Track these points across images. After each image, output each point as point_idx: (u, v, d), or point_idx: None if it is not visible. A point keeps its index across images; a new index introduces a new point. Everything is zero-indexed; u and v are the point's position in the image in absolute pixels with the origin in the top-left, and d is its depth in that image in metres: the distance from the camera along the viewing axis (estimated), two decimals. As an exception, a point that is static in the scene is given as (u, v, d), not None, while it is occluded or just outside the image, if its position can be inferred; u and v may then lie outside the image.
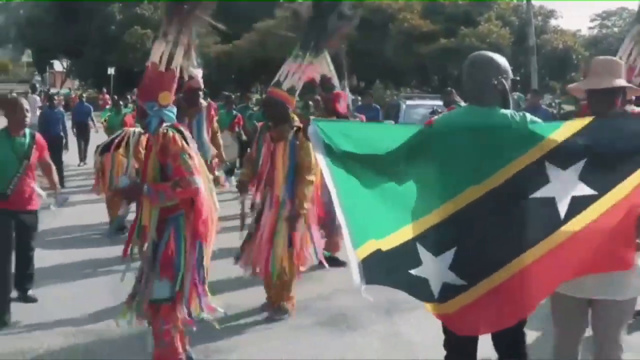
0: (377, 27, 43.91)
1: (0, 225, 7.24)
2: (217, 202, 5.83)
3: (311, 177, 7.10)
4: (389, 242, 3.98)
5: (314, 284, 8.56)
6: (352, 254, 3.84)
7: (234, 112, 16.58)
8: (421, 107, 17.97)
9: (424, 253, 4.00)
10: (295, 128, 7.16)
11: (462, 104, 14.96)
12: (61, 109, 18.81)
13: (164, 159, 5.37)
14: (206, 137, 9.87)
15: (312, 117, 4.32)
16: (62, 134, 16.79)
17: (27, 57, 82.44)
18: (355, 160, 4.04)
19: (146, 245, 5.55)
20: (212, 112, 10.58)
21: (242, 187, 7.77)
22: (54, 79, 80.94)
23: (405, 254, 3.99)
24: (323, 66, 8.59)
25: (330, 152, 4.01)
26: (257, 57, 47.01)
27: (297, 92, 7.32)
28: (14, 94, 8.74)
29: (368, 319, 7.40)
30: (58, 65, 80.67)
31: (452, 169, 4.00)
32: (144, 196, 5.40)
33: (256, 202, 7.42)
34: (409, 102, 18.66)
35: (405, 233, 4.02)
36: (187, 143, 5.47)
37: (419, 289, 4.05)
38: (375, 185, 4.06)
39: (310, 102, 16.91)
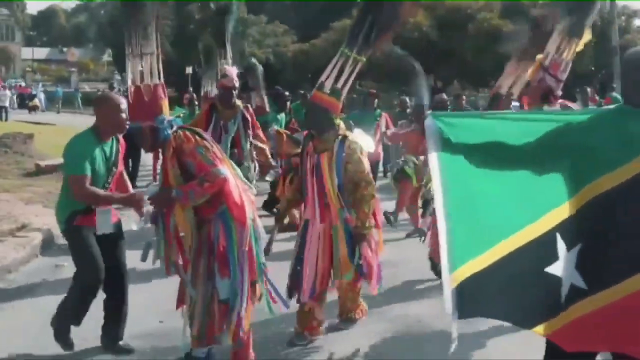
0: (456, 27, 43.31)
1: (84, 240, 6.05)
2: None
3: (371, 190, 6.36)
4: (514, 242, 3.55)
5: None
6: (447, 277, 3.48)
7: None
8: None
9: (561, 246, 3.55)
10: (340, 137, 6.37)
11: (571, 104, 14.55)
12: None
13: (184, 160, 5.41)
14: (247, 144, 9.16)
15: (429, 111, 3.91)
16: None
17: (107, 56, 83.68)
18: (480, 155, 3.65)
19: (190, 250, 5.63)
20: (251, 114, 9.40)
21: (281, 216, 7.27)
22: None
23: (540, 248, 3.54)
24: None
25: (448, 147, 3.64)
26: (333, 56, 46.68)
27: (343, 96, 6.40)
28: (112, 93, 7.99)
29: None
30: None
31: (587, 160, 3.53)
32: (175, 200, 5.43)
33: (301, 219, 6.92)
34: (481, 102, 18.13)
35: (535, 229, 3.56)
36: (200, 137, 5.54)
37: (528, 311, 3.60)
38: (501, 182, 3.65)
39: None
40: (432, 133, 3.67)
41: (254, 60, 14.99)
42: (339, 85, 6.26)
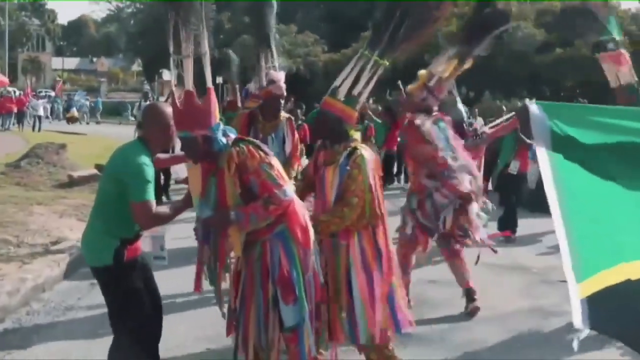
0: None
1: (137, 281, 5.16)
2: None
3: (345, 212, 5.39)
4: None
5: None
6: (574, 288, 3.07)
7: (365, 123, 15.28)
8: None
9: None
10: (349, 149, 5.49)
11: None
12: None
13: (246, 178, 4.85)
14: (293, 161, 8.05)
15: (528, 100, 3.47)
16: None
17: (137, 66, 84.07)
18: (603, 154, 3.21)
19: (242, 274, 5.15)
20: (293, 127, 8.23)
21: None
22: (162, 88, 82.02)
23: None
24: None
25: (561, 144, 3.20)
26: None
27: (359, 104, 5.65)
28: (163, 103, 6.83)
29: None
30: (167, 75, 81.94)
31: None
32: (234, 223, 4.85)
33: None
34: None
35: None
36: (262, 151, 4.93)
37: None
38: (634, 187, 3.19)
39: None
40: (540, 125, 3.26)
41: (231, 52, 14.47)
42: (356, 91, 5.53)
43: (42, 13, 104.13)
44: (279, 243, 4.98)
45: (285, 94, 7.92)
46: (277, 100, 7.82)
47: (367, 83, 5.54)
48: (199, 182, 5.06)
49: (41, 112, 42.61)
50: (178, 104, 4.80)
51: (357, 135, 5.69)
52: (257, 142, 5.06)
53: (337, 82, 5.55)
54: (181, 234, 8.11)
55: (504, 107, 18.32)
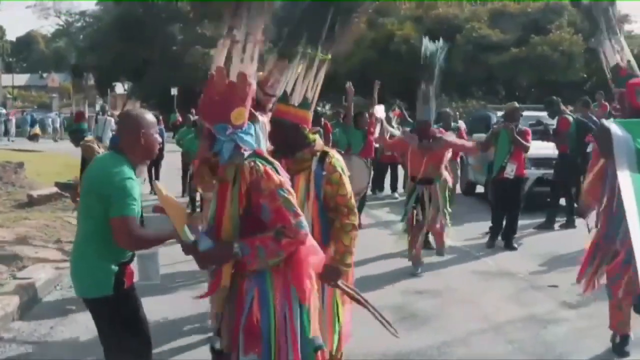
0: (444, 38, 42.72)
1: (137, 310, 4.83)
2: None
3: (353, 220, 5.27)
4: None
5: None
6: None
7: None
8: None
9: None
10: (319, 153, 5.26)
11: (569, 115, 14.01)
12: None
13: (257, 201, 4.04)
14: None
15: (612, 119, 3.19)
16: None
17: (88, 80, 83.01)
18: None
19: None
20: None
21: None
22: (115, 101, 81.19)
23: None
24: None
25: None
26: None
27: (313, 105, 5.28)
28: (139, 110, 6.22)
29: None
30: (119, 88, 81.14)
31: None
32: (236, 258, 4.04)
33: None
34: (500, 114, 17.42)
35: None
36: (279, 173, 4.16)
37: None
38: None
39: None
40: (624, 146, 2.99)
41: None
42: (309, 94, 5.12)
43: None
44: (254, 286, 4.15)
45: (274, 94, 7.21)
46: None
47: (315, 83, 5.14)
48: (177, 210, 4.22)
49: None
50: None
51: (316, 138, 5.33)
52: (270, 159, 4.24)
53: (279, 88, 5.27)
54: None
55: (458, 112, 17.93)
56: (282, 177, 4.13)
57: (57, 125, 52.32)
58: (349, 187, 5.25)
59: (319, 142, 5.31)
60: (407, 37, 43.78)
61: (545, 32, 42.92)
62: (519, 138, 11.50)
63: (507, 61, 42.44)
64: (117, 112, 58.44)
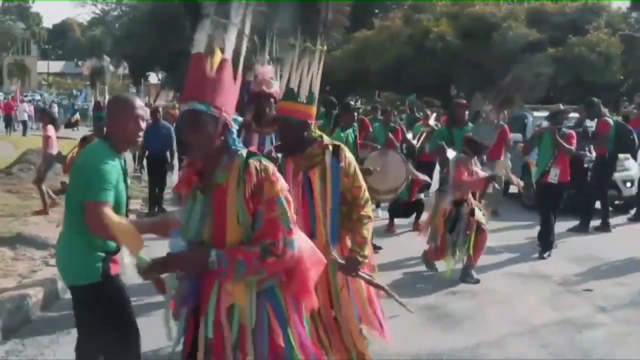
0: (480, 36, 42.46)
1: (125, 299, 4.74)
2: None
3: (369, 211, 5.24)
4: None
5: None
6: None
7: (392, 124, 14.27)
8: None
9: None
10: (331, 146, 5.13)
11: (609, 117, 13.81)
12: (166, 123, 15.36)
13: (256, 206, 3.51)
14: None
15: None
16: (168, 152, 14.34)
17: (122, 69, 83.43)
18: None
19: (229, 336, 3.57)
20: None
21: None
22: (149, 91, 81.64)
23: None
24: None
25: None
26: (354, 68, 46.06)
27: (317, 98, 5.15)
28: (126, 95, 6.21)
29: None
30: (153, 78, 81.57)
31: None
32: (211, 268, 3.45)
33: None
34: (536, 114, 17.26)
35: None
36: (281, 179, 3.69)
37: None
38: None
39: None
40: None
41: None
42: (314, 88, 5.03)
43: (27, 16, 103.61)
44: (266, 304, 3.61)
45: (275, 90, 6.76)
46: (265, 99, 6.84)
47: (315, 76, 5.04)
48: (130, 236, 3.77)
49: (26, 117, 42.07)
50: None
51: (324, 136, 5.24)
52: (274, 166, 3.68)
53: (291, 85, 5.03)
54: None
55: (429, 111, 17.17)
56: (284, 182, 3.66)
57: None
58: (362, 179, 5.23)
59: (325, 137, 5.23)
60: (443, 34, 43.48)
61: (583, 33, 42.48)
62: (562, 141, 10.96)
63: (544, 61, 42.03)
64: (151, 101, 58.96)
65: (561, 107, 11.87)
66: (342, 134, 10.33)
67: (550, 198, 11.28)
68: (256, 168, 3.50)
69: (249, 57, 7.07)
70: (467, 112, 11.16)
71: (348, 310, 5.18)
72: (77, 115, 46.69)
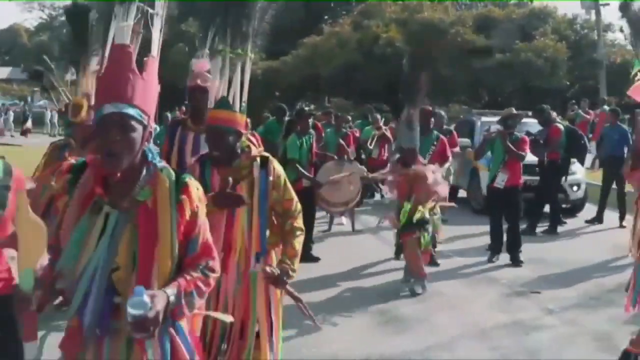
0: (428, 42, 42.81)
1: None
2: None
3: (300, 223, 4.97)
4: None
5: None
6: None
7: (344, 130, 14.33)
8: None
9: None
10: (260, 158, 4.88)
11: (559, 123, 13.97)
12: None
13: (191, 231, 3.15)
14: None
15: None
16: None
17: (71, 74, 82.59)
18: None
19: None
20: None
21: None
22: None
23: None
24: None
25: None
26: (303, 74, 46.00)
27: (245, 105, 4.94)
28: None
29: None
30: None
31: None
32: (173, 312, 3.01)
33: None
34: (484, 119, 17.42)
35: None
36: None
37: None
38: None
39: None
40: None
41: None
42: (244, 97, 4.89)
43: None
44: (169, 337, 3.09)
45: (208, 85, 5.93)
46: (201, 94, 6.08)
47: (242, 83, 4.91)
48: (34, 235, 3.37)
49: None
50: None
51: (246, 142, 4.96)
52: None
53: (223, 93, 4.86)
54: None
55: (379, 116, 17.18)
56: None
57: (55, 120, 51.11)
58: (292, 190, 5.01)
59: (253, 148, 4.96)
60: (392, 40, 43.69)
61: (530, 39, 43.01)
62: (512, 147, 10.79)
63: (492, 66, 42.43)
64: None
65: (513, 111, 11.70)
66: (297, 141, 10.29)
67: (497, 203, 11.26)
68: (197, 189, 3.18)
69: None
70: (432, 119, 10.93)
71: (264, 321, 4.89)
72: (30, 123, 45.78)
